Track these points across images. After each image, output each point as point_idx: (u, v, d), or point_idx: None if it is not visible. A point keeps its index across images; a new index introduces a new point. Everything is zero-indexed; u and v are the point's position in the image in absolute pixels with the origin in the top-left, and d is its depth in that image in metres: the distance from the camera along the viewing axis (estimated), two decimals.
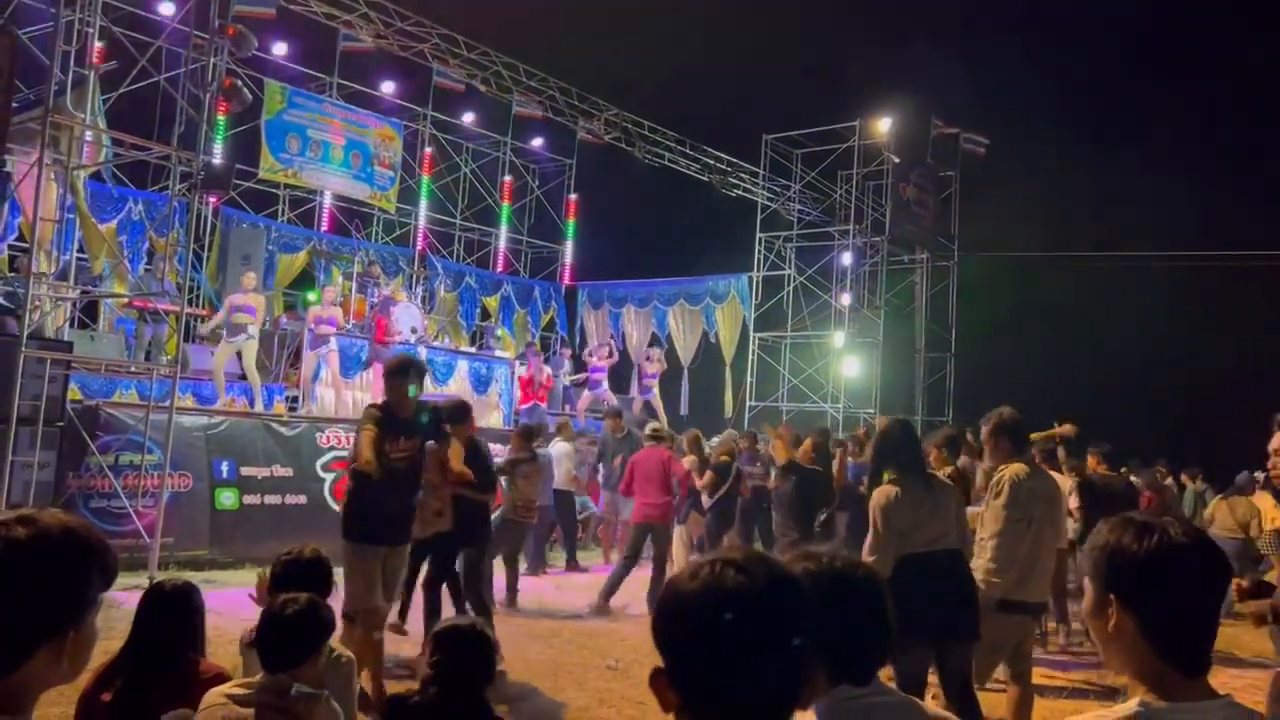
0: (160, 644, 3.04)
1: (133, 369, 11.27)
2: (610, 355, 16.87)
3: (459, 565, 6.81)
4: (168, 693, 2.92)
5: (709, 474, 9.42)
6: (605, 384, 16.29)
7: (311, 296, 13.26)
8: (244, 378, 11.80)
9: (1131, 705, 1.56)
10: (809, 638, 1.25)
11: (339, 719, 2.91)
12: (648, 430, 9.92)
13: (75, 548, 1.35)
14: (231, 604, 6.59)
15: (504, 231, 20.68)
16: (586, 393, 16.34)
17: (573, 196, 21.18)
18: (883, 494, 4.70)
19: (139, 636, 3.06)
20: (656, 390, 16.85)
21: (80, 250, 12.04)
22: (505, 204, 20.47)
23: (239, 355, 11.67)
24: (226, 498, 10.00)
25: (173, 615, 3.10)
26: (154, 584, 3.25)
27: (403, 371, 5.65)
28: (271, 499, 10.31)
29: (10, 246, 12.16)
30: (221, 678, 3.05)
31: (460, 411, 6.56)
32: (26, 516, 1.34)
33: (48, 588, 1.32)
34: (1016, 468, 4.90)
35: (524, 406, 15.09)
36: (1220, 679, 1.47)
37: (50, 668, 1.33)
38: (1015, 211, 22.86)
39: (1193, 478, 14.22)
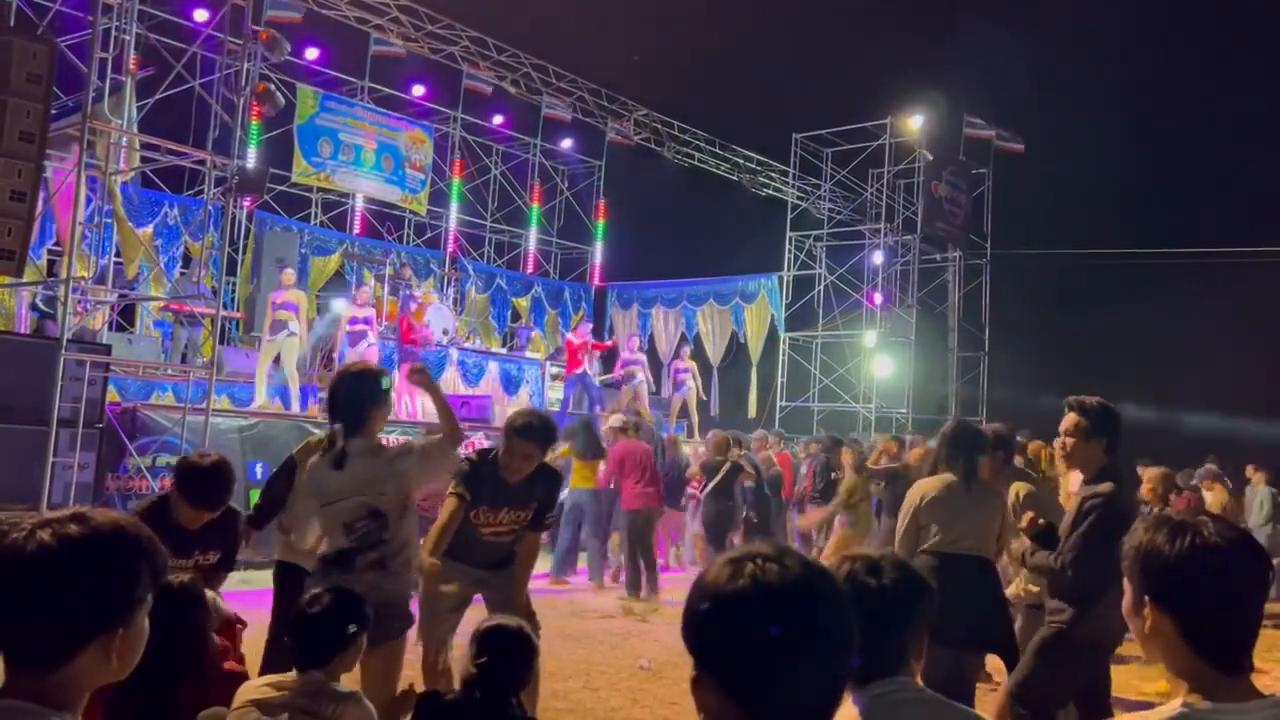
0: (174, 643, 2.86)
1: (169, 371, 11.41)
2: (640, 348, 17.06)
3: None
4: (192, 692, 2.88)
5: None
6: (639, 377, 16.25)
7: (339, 306, 13.27)
8: (284, 381, 11.89)
9: (1175, 705, 1.55)
10: (852, 625, 1.27)
11: (372, 719, 2.90)
12: (616, 423, 10.43)
13: (126, 546, 1.38)
14: (265, 602, 6.63)
15: (534, 233, 20.75)
16: (624, 388, 16.35)
17: (602, 198, 21.23)
18: (918, 487, 4.75)
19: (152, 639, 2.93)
20: (689, 386, 16.80)
21: (117, 254, 12.20)
22: (535, 205, 20.55)
23: (277, 359, 11.74)
24: None
25: (180, 613, 2.92)
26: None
27: (528, 431, 4.37)
28: None
29: (49, 251, 12.34)
30: (244, 675, 3.04)
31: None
32: (79, 514, 1.37)
33: (99, 584, 1.35)
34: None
35: (570, 374, 14.94)
36: (1263, 681, 1.45)
37: (100, 664, 1.36)
38: (1049, 208, 22.64)
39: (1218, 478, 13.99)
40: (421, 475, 3.84)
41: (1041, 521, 4.10)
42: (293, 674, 2.84)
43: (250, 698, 2.76)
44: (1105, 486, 3.90)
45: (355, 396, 3.79)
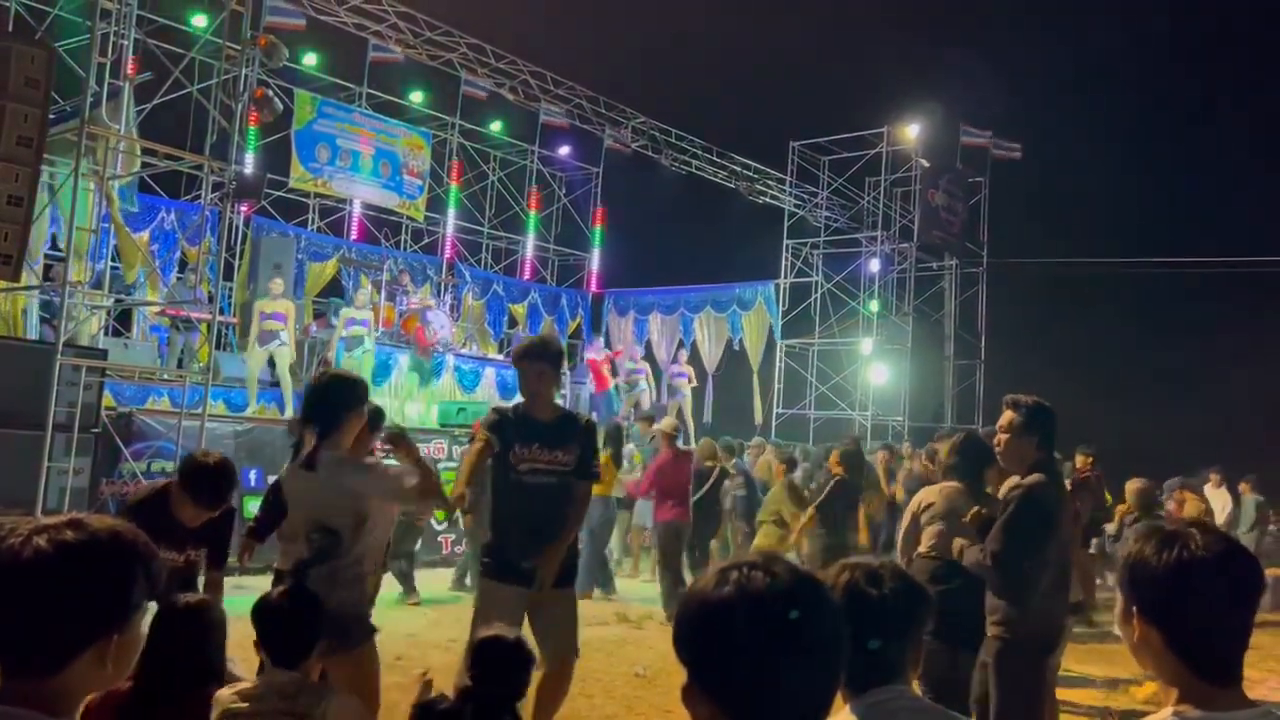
0: (174, 672, 2.61)
1: (165, 376, 11.39)
2: (641, 357, 17.14)
3: None
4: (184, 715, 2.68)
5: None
6: (642, 384, 16.33)
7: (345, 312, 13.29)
8: (276, 384, 11.91)
9: (1165, 714, 1.55)
10: (841, 633, 1.27)
11: (355, 712, 2.84)
12: (668, 427, 10.15)
13: (123, 552, 1.38)
14: None
15: (531, 239, 20.74)
16: (625, 396, 16.39)
17: (600, 204, 21.23)
18: (922, 493, 4.96)
19: (150, 667, 2.52)
20: (685, 393, 16.83)
21: (114, 259, 12.19)
22: (532, 212, 20.53)
23: (271, 363, 11.76)
24: (255, 507, 10.06)
25: (188, 638, 2.68)
26: (166, 602, 2.69)
27: (530, 352, 4.50)
28: None
29: (46, 255, 12.32)
30: None
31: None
32: (76, 520, 1.37)
33: (95, 591, 1.35)
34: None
35: (599, 394, 15.13)
36: (1258, 691, 1.44)
37: (95, 671, 1.36)
38: (1045, 217, 22.70)
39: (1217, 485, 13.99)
40: (380, 498, 3.69)
41: (984, 513, 4.17)
42: (260, 679, 2.74)
43: (226, 707, 2.62)
44: (1029, 479, 3.95)
45: (327, 400, 3.69)
